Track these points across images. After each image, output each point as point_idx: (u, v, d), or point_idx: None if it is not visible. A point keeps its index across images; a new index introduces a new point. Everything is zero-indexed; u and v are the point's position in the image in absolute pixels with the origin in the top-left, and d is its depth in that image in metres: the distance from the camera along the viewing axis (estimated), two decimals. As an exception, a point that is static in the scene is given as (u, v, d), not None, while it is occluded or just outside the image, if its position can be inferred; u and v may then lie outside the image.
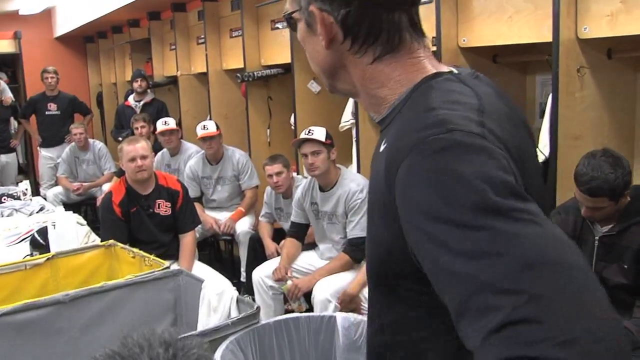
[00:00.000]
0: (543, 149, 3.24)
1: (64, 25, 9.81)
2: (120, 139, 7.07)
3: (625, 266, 2.65)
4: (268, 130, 5.76)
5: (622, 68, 3.41)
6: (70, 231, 3.61)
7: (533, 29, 3.29)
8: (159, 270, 2.71)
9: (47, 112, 7.83)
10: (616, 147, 3.30)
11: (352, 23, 0.99)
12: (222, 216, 5.11)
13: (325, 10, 0.99)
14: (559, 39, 3.07)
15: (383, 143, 1.00)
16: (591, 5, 3.07)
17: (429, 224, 0.81)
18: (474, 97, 0.95)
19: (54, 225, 3.62)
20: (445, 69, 1.04)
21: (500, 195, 0.79)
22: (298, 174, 4.77)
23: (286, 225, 4.38)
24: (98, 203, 6.36)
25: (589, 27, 3.10)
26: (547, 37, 3.14)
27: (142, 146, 3.80)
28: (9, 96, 8.33)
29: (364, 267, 3.51)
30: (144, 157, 3.77)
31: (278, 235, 4.57)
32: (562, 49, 3.09)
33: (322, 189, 3.77)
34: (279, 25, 5.35)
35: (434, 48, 3.56)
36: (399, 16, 1.00)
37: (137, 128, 6.17)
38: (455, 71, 1.03)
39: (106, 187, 6.76)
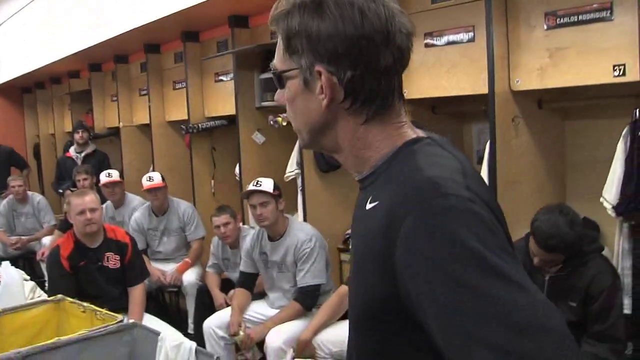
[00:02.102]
0: (483, 195, 3.39)
1: (0, 75, 9.70)
2: (60, 190, 6.98)
3: (574, 304, 2.79)
4: (212, 181, 5.80)
5: (551, 116, 3.63)
6: (17, 287, 3.53)
7: (469, 82, 3.48)
8: (113, 324, 2.67)
9: (-20, 166, 7.65)
10: (550, 190, 3.51)
11: (356, 85, 1.06)
12: (169, 268, 5.08)
13: (331, 71, 1.05)
14: (494, 90, 3.26)
15: (370, 202, 1.08)
16: (522, 60, 3.28)
17: (433, 282, 0.91)
18: (455, 160, 1.06)
19: (-1, 282, 3.54)
20: (422, 134, 1.13)
21: (496, 255, 0.90)
22: (244, 224, 4.81)
23: (234, 276, 4.40)
24: (38, 257, 6.23)
25: (521, 79, 3.30)
26: (483, 89, 3.33)
27: (90, 199, 3.78)
28: None
29: (316, 313, 3.58)
30: (92, 210, 3.75)
31: (226, 285, 4.58)
32: (498, 100, 3.28)
33: (271, 239, 3.82)
34: (222, 77, 5.45)
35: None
36: (394, 80, 1.09)
37: (79, 180, 6.08)
38: (432, 136, 1.13)
39: (46, 241, 6.64)
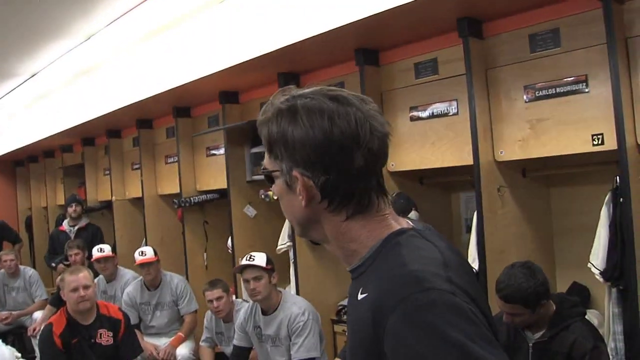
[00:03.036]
0: (472, 263, 3.44)
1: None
2: (53, 264, 6.94)
3: None
4: (205, 254, 5.82)
5: (536, 185, 3.72)
6: (8, 366, 3.51)
7: (455, 154, 3.58)
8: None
9: (-27, 239, 7.63)
10: (538, 258, 3.55)
11: (330, 188, 1.13)
12: (162, 342, 5.04)
13: (306, 175, 1.13)
14: (479, 162, 3.35)
15: (360, 292, 1.14)
16: (504, 132, 3.39)
17: None
18: (437, 251, 1.12)
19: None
20: (405, 224, 1.20)
21: (478, 345, 0.96)
22: (237, 297, 4.81)
23: (227, 350, 4.38)
24: (29, 333, 6.16)
25: (505, 151, 3.40)
26: (468, 160, 3.42)
27: (84, 276, 3.81)
28: None
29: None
30: (86, 287, 3.77)
31: (220, 359, 4.55)
32: (483, 171, 3.37)
33: (264, 313, 3.83)
34: (214, 151, 5.54)
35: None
36: (370, 181, 1.16)
37: (71, 255, 6.06)
38: (415, 227, 1.20)
39: (37, 315, 6.57)
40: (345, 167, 1.12)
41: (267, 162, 1.20)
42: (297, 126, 1.12)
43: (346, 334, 4.15)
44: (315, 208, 1.16)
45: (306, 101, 1.14)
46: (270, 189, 1.26)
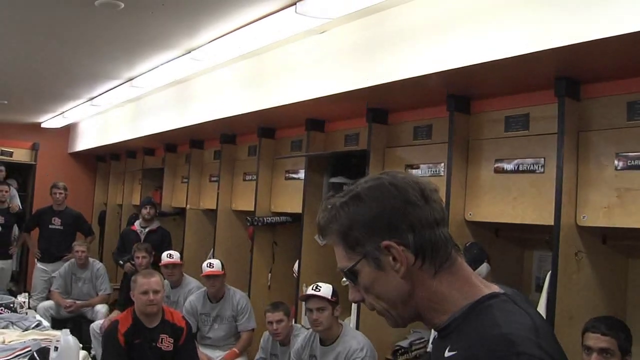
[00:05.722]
0: (540, 325, 3.36)
1: (80, 142, 10.23)
2: (121, 262, 7.15)
3: None
4: (269, 275, 5.88)
5: (615, 254, 3.61)
6: (72, 356, 3.61)
7: (535, 212, 3.53)
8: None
9: (50, 226, 7.86)
10: (609, 329, 3.44)
11: (419, 244, 1.18)
12: (215, 355, 5.12)
13: (396, 241, 1.18)
14: (560, 224, 3.29)
15: (448, 350, 1.17)
16: (590, 197, 3.32)
17: None
18: (528, 317, 1.16)
19: (57, 347, 3.63)
20: (496, 289, 1.23)
21: None
22: (296, 322, 4.85)
23: (280, 373, 4.41)
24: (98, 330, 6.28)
25: (588, 216, 3.33)
26: (548, 220, 3.36)
27: (156, 281, 3.93)
28: (16, 204, 8.42)
29: None
30: (156, 292, 3.89)
31: (270, 381, 4.59)
32: (562, 234, 3.30)
33: (322, 343, 3.85)
34: (293, 175, 5.62)
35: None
36: (442, 231, 1.21)
37: (138, 257, 6.24)
38: (506, 292, 1.23)
39: (98, 308, 6.80)
40: (424, 220, 1.19)
41: (344, 260, 1.24)
42: (367, 204, 1.20)
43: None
44: (410, 274, 1.20)
45: (363, 186, 1.22)
46: (354, 287, 1.27)
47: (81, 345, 4.20)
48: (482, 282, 1.25)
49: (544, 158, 3.54)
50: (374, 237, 1.19)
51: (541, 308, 3.47)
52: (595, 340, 2.77)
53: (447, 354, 1.17)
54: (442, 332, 1.22)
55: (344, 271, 1.24)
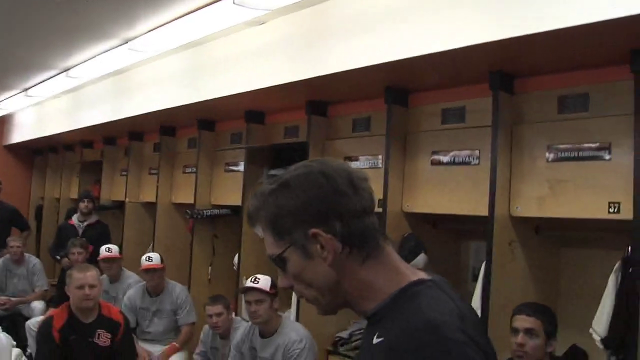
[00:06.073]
0: (475, 314, 3.44)
1: (15, 135, 9.94)
2: (58, 257, 6.97)
3: None
4: (210, 268, 5.84)
5: (548, 244, 3.71)
6: (4, 353, 3.54)
7: (471, 203, 3.60)
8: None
9: (-17, 221, 7.67)
10: (541, 317, 3.54)
11: (347, 232, 1.18)
12: (156, 349, 5.04)
13: (324, 229, 1.18)
14: (494, 215, 3.37)
15: (376, 337, 1.18)
16: (523, 188, 3.41)
17: None
18: (453, 303, 1.18)
19: (-13, 347, 3.55)
20: (423, 275, 1.25)
21: None
22: (237, 315, 4.82)
23: (220, 366, 4.39)
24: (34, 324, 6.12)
25: (521, 207, 3.42)
26: (483, 211, 3.44)
27: (91, 275, 3.85)
28: None
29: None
30: (92, 287, 3.80)
31: (211, 375, 4.56)
32: (497, 224, 3.38)
33: (262, 335, 3.84)
34: (233, 167, 5.60)
35: (380, 210, 3.81)
36: (370, 220, 1.22)
37: (73, 253, 6.05)
38: (433, 278, 1.24)
39: (35, 305, 6.62)
40: (352, 208, 1.19)
41: (272, 247, 1.23)
42: (295, 192, 1.20)
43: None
44: (337, 262, 1.20)
45: (292, 174, 1.22)
46: (283, 274, 1.27)
47: (15, 343, 4.11)
48: (409, 270, 1.26)
49: (479, 150, 3.62)
50: (301, 225, 1.19)
51: (476, 298, 3.55)
52: (522, 321, 2.86)
53: (375, 340, 1.18)
54: (371, 319, 1.23)
55: (272, 258, 1.24)
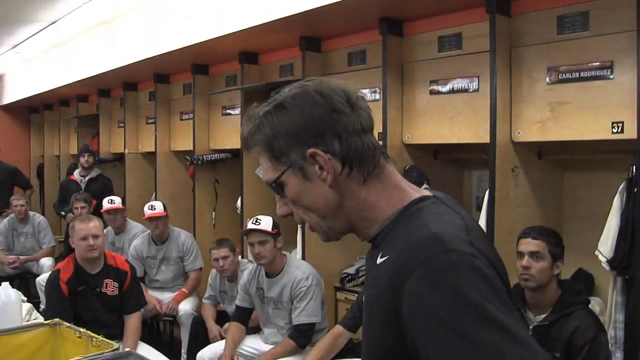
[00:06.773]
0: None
1: (9, 94, 9.82)
2: (62, 213, 7.00)
3: (557, 355, 2.81)
4: (214, 213, 5.84)
5: (551, 168, 3.69)
6: (15, 308, 3.54)
7: (472, 131, 3.55)
8: (108, 352, 2.68)
9: (-17, 183, 7.67)
10: (546, 241, 3.53)
11: (346, 151, 1.14)
12: (165, 297, 5.09)
13: (322, 149, 1.14)
14: (496, 141, 3.33)
15: (380, 256, 1.15)
16: (524, 113, 3.36)
17: (437, 334, 0.99)
18: (459, 217, 1.13)
19: (-3, 302, 3.55)
20: (427, 192, 1.21)
21: (496, 308, 0.97)
22: (243, 257, 4.84)
23: (230, 309, 4.42)
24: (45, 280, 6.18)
25: (522, 131, 3.37)
26: (484, 138, 3.40)
27: (94, 225, 3.83)
28: None
29: (309, 351, 3.59)
30: (95, 237, 3.79)
31: (221, 318, 4.59)
32: (498, 150, 3.35)
33: (268, 275, 3.85)
34: (230, 111, 5.53)
35: (380, 142, 3.76)
36: (369, 139, 1.17)
37: (77, 208, 6.06)
38: (436, 194, 1.20)
39: (44, 262, 6.66)
40: (350, 127, 1.14)
41: (269, 172, 1.19)
42: (291, 112, 1.14)
43: (353, 302, 4.16)
44: (337, 183, 1.16)
45: (287, 94, 1.16)
46: (281, 201, 1.22)
47: (25, 298, 4.12)
48: (412, 187, 1.22)
49: (478, 76, 3.55)
50: (299, 146, 1.14)
51: (481, 224, 3.53)
52: (527, 244, 2.83)
53: (379, 260, 1.15)
54: (375, 241, 1.20)
55: (269, 183, 1.20)
